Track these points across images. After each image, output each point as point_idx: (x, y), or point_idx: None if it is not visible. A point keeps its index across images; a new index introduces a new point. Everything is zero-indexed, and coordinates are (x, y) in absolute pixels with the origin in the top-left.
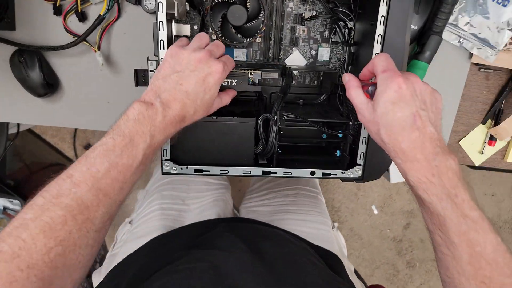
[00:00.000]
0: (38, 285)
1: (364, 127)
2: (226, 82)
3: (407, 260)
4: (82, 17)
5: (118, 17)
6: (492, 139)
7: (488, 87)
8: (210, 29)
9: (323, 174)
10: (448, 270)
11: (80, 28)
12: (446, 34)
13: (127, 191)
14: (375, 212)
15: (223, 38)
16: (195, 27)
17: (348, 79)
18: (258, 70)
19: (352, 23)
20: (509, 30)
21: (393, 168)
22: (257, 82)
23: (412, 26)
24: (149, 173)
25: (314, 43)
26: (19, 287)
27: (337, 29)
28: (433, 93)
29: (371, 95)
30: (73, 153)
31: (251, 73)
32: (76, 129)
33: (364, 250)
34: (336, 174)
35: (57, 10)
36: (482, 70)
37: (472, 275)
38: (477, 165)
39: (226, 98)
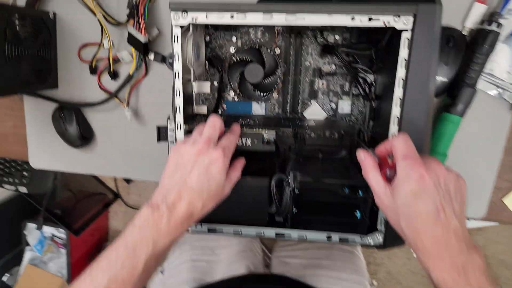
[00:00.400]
0: None
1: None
2: (240, 142)
3: None
4: (114, 75)
5: (146, 74)
6: None
7: None
8: (229, 86)
9: (341, 239)
10: None
11: (112, 85)
12: (482, 84)
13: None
14: (415, 255)
15: (241, 94)
16: (215, 83)
17: (364, 157)
18: (273, 129)
19: (372, 76)
20: None
21: None
22: (272, 141)
23: (442, 78)
24: None
25: (334, 96)
26: None
27: (358, 85)
28: (457, 181)
29: (388, 178)
30: (114, 183)
31: (265, 132)
32: None
33: None
34: (354, 239)
35: (93, 70)
36: None
37: None
38: None
39: (236, 174)
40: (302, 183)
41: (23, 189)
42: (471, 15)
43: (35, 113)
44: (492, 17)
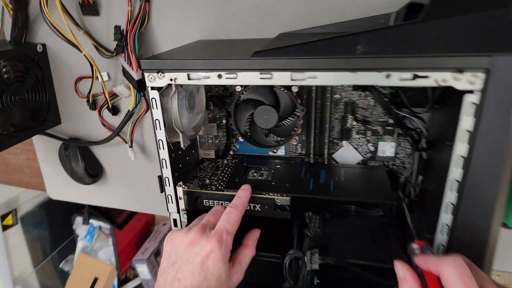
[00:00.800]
0: None
1: None
2: (248, 207)
3: None
4: (114, 111)
5: (147, 110)
6: None
7: None
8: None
9: None
10: None
11: (115, 120)
12: None
13: None
14: None
15: (254, 141)
16: (223, 121)
17: (403, 275)
18: (287, 196)
19: (422, 123)
20: None
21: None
22: (286, 207)
23: None
24: None
25: (373, 135)
26: None
27: (402, 129)
28: None
29: None
30: None
31: (277, 198)
32: None
33: None
34: None
35: (92, 105)
36: None
37: None
38: None
39: (247, 254)
40: (321, 264)
41: None
42: None
43: (45, 149)
44: None
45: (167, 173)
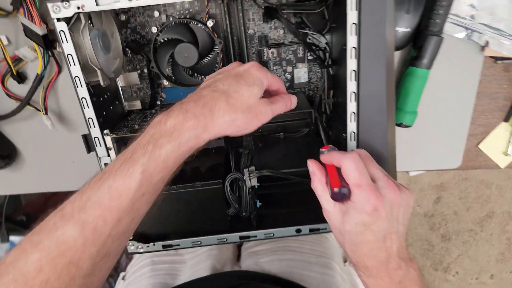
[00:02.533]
0: None
1: None
2: None
3: (442, 234)
4: (20, 78)
5: (60, 71)
6: None
7: (509, 79)
8: (161, 76)
9: (311, 230)
10: None
11: (22, 89)
12: (449, 27)
13: (127, 222)
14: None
15: (178, 81)
16: (145, 70)
17: (312, 170)
18: None
19: (325, 39)
20: None
21: (410, 163)
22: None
23: (404, 29)
24: None
25: (288, 65)
26: None
27: (311, 50)
28: (408, 205)
29: (341, 194)
30: None
31: None
32: None
33: None
34: (326, 228)
35: None
36: (499, 61)
37: None
38: (502, 168)
39: (281, 102)
40: (260, 178)
41: None
42: None
43: None
44: None
45: (90, 113)
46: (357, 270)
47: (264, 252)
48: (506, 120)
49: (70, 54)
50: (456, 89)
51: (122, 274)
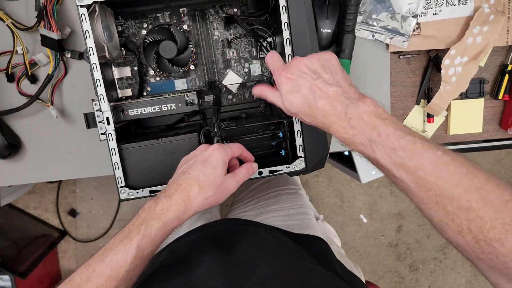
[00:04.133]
0: None
1: (298, 121)
2: (165, 108)
3: (409, 264)
4: (33, 79)
5: (66, 73)
6: (429, 116)
7: (412, 70)
8: (149, 67)
9: (270, 172)
10: (414, 203)
11: (33, 89)
12: (360, 33)
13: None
14: (365, 220)
15: (161, 72)
16: (135, 68)
17: (259, 90)
18: (193, 91)
19: (271, 38)
20: (412, 17)
21: (360, 168)
22: (195, 102)
23: (326, 30)
24: None
25: (245, 62)
26: None
27: (261, 45)
28: (319, 58)
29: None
30: (58, 221)
31: (187, 95)
32: (58, 197)
33: (363, 262)
34: (281, 170)
35: (10, 78)
36: (401, 56)
37: (426, 200)
38: None
39: (243, 172)
40: (226, 129)
41: None
42: None
43: None
44: None
45: (102, 91)
46: (325, 130)
47: (249, 216)
48: (417, 103)
49: (87, 31)
50: (374, 79)
51: None
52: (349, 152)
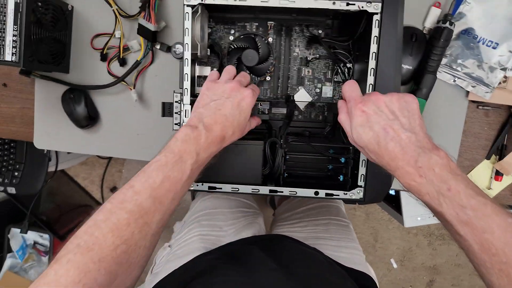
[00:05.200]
0: (106, 278)
1: None
2: None
3: None
4: (123, 62)
5: (152, 62)
6: (498, 174)
7: (489, 123)
8: None
9: (326, 194)
10: (473, 264)
11: (120, 71)
12: (442, 75)
13: (177, 202)
14: (395, 266)
15: None
16: (214, 69)
17: (340, 105)
18: (267, 101)
19: (350, 64)
20: (501, 69)
21: (406, 211)
22: (266, 112)
23: (408, 66)
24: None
25: (318, 82)
26: (91, 277)
27: (339, 69)
28: (400, 100)
29: None
30: (100, 195)
31: (260, 104)
32: (104, 173)
33: None
34: (338, 195)
35: (104, 57)
36: (480, 107)
37: (488, 264)
38: None
39: (254, 122)
40: (292, 143)
41: (11, 190)
42: (429, 17)
43: (45, 95)
44: (446, 17)
45: (188, 85)
46: (387, 171)
47: (298, 238)
48: (487, 158)
49: (188, 28)
50: (446, 124)
51: (167, 244)
52: (396, 192)
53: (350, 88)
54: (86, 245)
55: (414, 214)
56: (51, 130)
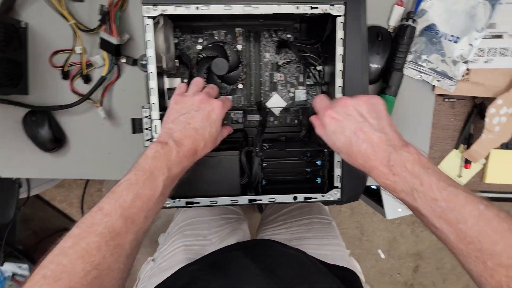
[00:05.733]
0: None
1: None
2: None
3: None
4: (87, 79)
5: (118, 77)
6: (467, 162)
7: (455, 115)
8: None
9: (305, 198)
10: (452, 253)
11: (85, 88)
12: (408, 72)
13: (151, 220)
14: (382, 256)
15: None
16: (185, 80)
17: (312, 121)
18: (240, 110)
19: (321, 66)
20: (463, 62)
21: (387, 204)
22: (240, 120)
23: (376, 65)
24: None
25: (291, 87)
26: None
27: (310, 73)
28: (367, 102)
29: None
30: (81, 216)
31: (233, 113)
32: (84, 194)
33: None
34: (316, 198)
35: (65, 75)
36: (446, 100)
37: (465, 253)
38: None
39: (225, 131)
40: (268, 152)
41: None
42: (393, 16)
43: (3, 121)
44: (408, 15)
45: (155, 99)
46: (365, 171)
47: (282, 240)
48: (456, 147)
49: (150, 40)
50: (416, 118)
51: (150, 258)
52: (377, 186)
53: (319, 100)
54: (54, 275)
55: (395, 206)
56: (15, 157)
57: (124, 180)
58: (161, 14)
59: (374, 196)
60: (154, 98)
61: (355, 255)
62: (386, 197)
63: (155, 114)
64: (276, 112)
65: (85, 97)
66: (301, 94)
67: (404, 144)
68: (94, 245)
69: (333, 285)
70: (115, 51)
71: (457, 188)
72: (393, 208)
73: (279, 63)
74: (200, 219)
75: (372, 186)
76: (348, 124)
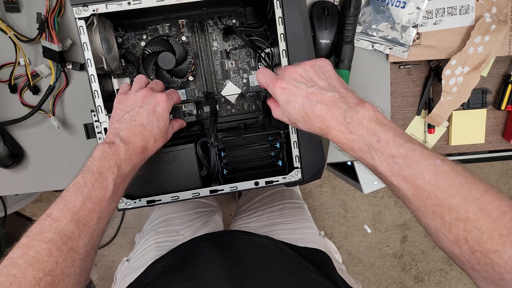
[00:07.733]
0: None
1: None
2: None
3: (414, 275)
4: (36, 90)
5: (67, 84)
6: (430, 127)
7: (413, 81)
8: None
9: (266, 182)
10: (410, 210)
11: (35, 100)
12: (360, 43)
13: (106, 221)
14: (369, 231)
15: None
16: (127, 81)
17: (268, 103)
18: (190, 102)
19: (269, 49)
20: (413, 27)
21: (362, 178)
22: (194, 114)
23: (325, 41)
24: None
25: (244, 73)
26: None
27: (260, 56)
28: (313, 66)
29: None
30: None
31: (184, 106)
32: None
33: (367, 273)
34: (278, 180)
35: (13, 89)
36: (402, 67)
37: (423, 208)
38: None
39: (176, 125)
40: (228, 141)
41: None
42: None
43: None
44: None
45: (100, 102)
46: (325, 137)
47: (252, 229)
48: (418, 113)
49: (85, 43)
50: (374, 89)
51: (125, 258)
52: (352, 162)
53: (262, 75)
54: (3, 286)
55: (370, 179)
56: None
57: (72, 184)
58: (93, 14)
59: (350, 173)
60: (99, 101)
61: (342, 233)
62: (360, 171)
63: (102, 116)
64: (232, 100)
65: (35, 109)
66: (255, 79)
67: (359, 101)
68: (45, 252)
69: (298, 268)
70: (59, 58)
71: (413, 143)
72: (369, 182)
73: (227, 50)
74: (174, 215)
75: (347, 163)
76: (299, 90)
